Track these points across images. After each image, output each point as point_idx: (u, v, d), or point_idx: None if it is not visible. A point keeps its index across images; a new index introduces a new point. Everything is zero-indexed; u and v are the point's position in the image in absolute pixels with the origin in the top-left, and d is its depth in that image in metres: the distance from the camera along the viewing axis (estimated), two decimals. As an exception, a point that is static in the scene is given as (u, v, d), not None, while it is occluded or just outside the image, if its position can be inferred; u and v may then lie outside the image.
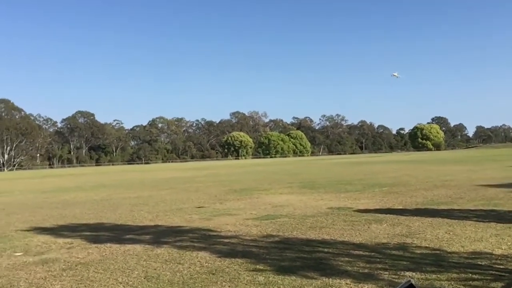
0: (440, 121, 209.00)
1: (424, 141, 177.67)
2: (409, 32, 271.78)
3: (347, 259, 6.91)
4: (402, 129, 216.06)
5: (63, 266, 7.20)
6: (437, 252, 7.21)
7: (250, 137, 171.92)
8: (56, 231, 10.79)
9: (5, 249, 8.75)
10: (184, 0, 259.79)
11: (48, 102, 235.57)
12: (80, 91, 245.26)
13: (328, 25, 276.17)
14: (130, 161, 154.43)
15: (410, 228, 9.33)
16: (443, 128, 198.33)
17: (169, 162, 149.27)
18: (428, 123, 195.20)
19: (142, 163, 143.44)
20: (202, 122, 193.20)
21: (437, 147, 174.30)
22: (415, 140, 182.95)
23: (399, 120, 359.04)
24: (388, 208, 12.52)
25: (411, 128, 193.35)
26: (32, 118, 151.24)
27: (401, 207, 12.67)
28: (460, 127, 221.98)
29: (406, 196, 15.33)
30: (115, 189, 25.44)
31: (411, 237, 8.42)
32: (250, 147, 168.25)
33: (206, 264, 6.96)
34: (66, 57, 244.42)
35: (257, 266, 6.66)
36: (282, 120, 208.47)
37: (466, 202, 13.33)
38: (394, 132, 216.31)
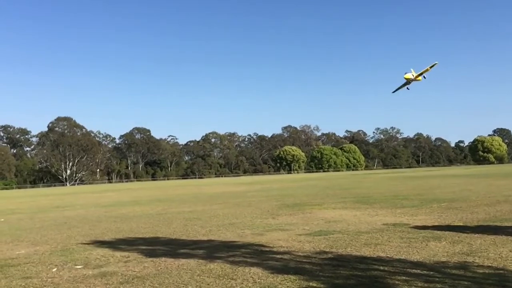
0: (502, 133, 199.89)
1: (485, 154, 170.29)
2: (467, 42, 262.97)
3: (404, 278, 6.66)
4: (461, 141, 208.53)
5: (121, 280, 7.40)
6: (501, 272, 6.83)
7: (302, 151, 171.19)
8: (114, 244, 11.13)
9: (67, 262, 9.11)
10: (236, 17, 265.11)
11: (107, 119, 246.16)
12: (137, 108, 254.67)
13: (378, 37, 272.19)
14: (184, 176, 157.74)
15: (472, 246, 8.90)
16: (506, 140, 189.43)
17: (222, 176, 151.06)
18: (489, 135, 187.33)
19: (195, 178, 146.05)
20: (254, 137, 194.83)
21: (500, 160, 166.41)
22: (475, 153, 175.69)
23: (458, 132, 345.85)
24: (448, 225, 12.01)
25: (471, 140, 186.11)
26: (93, 135, 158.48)
27: (461, 224, 12.11)
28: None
29: (467, 212, 14.66)
30: (170, 204, 25.99)
31: (472, 255, 8.02)
32: (303, 161, 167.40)
33: (259, 280, 6.93)
34: (123, 77, 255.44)
35: (310, 284, 6.55)
36: (334, 134, 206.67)
37: (533, 218, 12.58)
38: (452, 145, 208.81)
